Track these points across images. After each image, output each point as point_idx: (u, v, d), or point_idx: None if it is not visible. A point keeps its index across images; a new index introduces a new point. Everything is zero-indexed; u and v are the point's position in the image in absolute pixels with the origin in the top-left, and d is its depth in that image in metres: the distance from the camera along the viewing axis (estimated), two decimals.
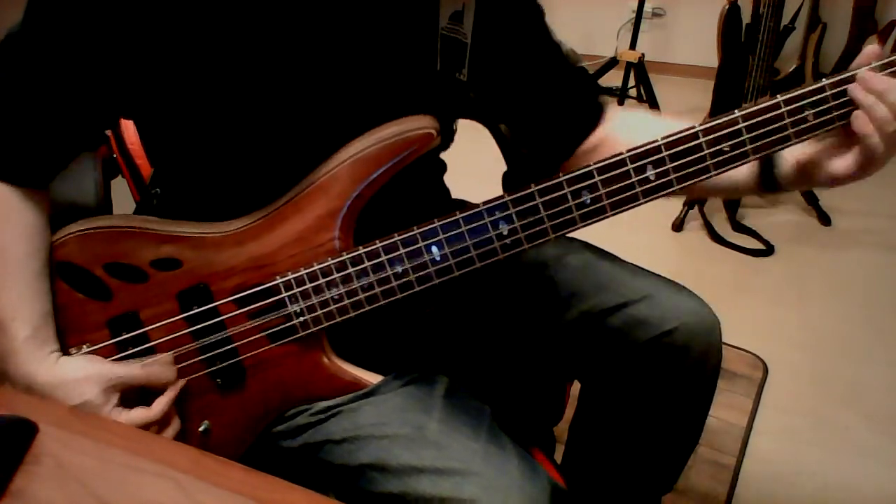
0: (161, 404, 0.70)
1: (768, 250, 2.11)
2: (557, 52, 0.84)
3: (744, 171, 0.72)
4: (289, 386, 0.73)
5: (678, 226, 2.24)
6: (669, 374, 0.81)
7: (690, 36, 3.28)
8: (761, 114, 0.65)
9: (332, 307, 0.70)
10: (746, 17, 2.06)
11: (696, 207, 2.24)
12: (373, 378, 0.73)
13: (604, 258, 0.86)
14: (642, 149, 0.66)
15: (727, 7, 2.02)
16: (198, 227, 0.71)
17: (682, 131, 0.66)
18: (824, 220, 2.23)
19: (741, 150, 0.66)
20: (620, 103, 3.17)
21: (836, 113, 0.65)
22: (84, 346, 0.72)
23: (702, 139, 0.65)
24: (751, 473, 1.41)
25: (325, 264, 0.69)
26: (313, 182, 0.69)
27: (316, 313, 0.70)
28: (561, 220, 0.67)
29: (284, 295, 0.70)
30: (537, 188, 0.66)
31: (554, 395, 0.99)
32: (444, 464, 0.64)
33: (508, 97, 0.83)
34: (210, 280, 0.71)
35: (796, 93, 0.65)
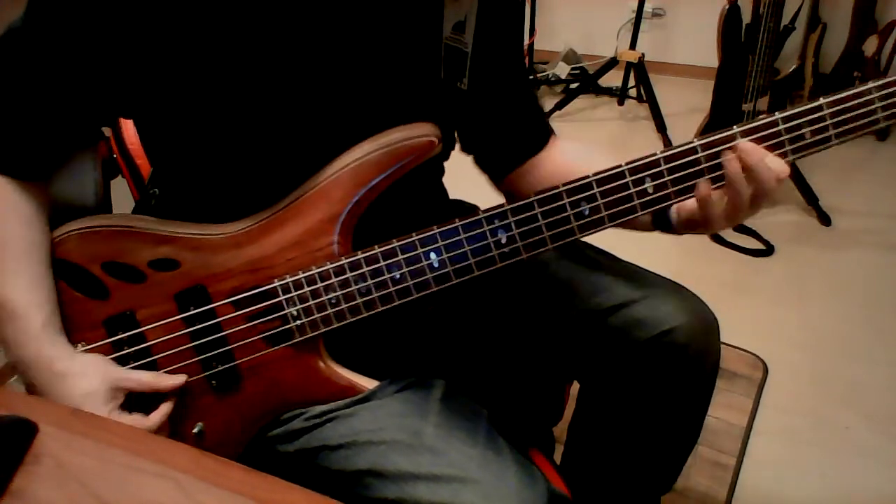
0: (159, 415, 0.70)
1: (768, 250, 2.10)
2: (526, 73, 0.89)
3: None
4: (284, 389, 0.73)
5: None
6: (668, 374, 0.81)
7: (690, 36, 3.27)
8: (759, 130, 0.65)
9: (330, 311, 0.70)
10: (746, 17, 2.06)
11: None
12: (369, 383, 0.73)
13: (603, 258, 0.87)
14: (641, 162, 0.66)
15: (727, 7, 2.02)
16: (197, 229, 0.71)
17: (681, 146, 0.66)
18: (824, 220, 2.22)
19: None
20: (620, 103, 3.17)
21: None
22: (80, 345, 0.72)
23: (700, 153, 0.65)
24: (751, 473, 1.41)
25: (324, 268, 0.69)
26: (314, 186, 0.69)
27: (313, 317, 0.70)
28: (559, 230, 0.68)
29: (282, 298, 0.70)
30: (537, 198, 0.67)
31: (553, 396, 0.99)
32: (441, 470, 0.64)
33: (481, 103, 0.84)
34: (208, 281, 0.71)
35: (797, 109, 0.64)
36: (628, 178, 0.66)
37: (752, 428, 1.52)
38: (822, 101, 0.64)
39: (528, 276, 0.85)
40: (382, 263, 0.69)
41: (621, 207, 0.67)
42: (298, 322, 0.71)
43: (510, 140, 0.87)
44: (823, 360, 1.70)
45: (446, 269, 0.69)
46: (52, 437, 0.58)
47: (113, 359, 0.72)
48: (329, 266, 0.69)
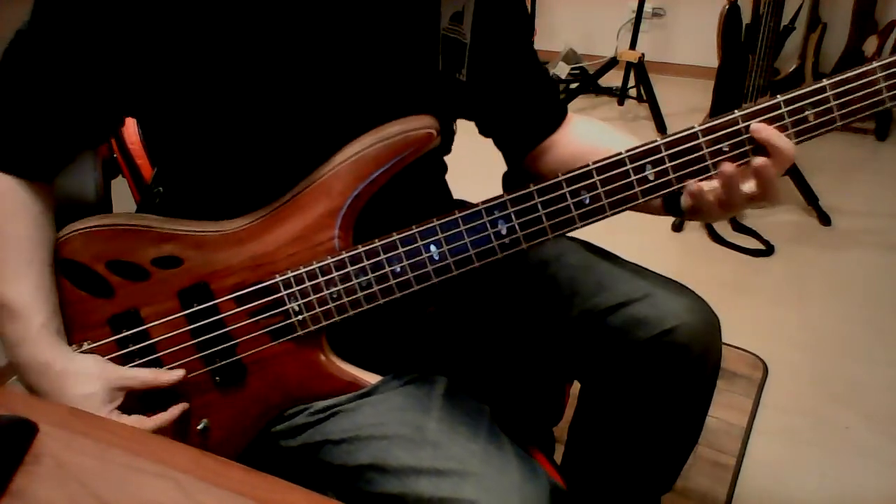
0: (159, 420, 0.70)
1: (768, 250, 2.10)
2: (535, 56, 0.87)
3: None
4: (287, 385, 0.73)
5: (678, 226, 2.24)
6: (669, 374, 0.81)
7: (690, 36, 3.28)
8: (762, 114, 0.65)
9: (331, 306, 0.70)
10: (746, 17, 2.06)
11: None
12: (371, 378, 0.73)
13: (604, 258, 0.86)
14: (641, 149, 0.66)
15: (727, 7, 2.02)
16: (199, 226, 0.71)
17: (681, 131, 0.65)
18: (824, 220, 2.23)
19: (741, 149, 0.65)
20: (620, 103, 3.17)
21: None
22: (85, 343, 0.72)
23: (701, 139, 0.65)
24: (751, 473, 1.41)
25: (325, 263, 0.69)
26: (314, 181, 0.69)
27: (314, 311, 0.70)
28: (560, 219, 0.67)
29: (283, 293, 0.70)
30: (536, 188, 0.66)
31: (553, 396, 0.99)
32: (443, 464, 0.64)
33: (488, 91, 0.84)
34: (210, 278, 0.71)
35: (800, 91, 0.64)
36: (629, 166, 0.66)
37: (752, 428, 1.52)
38: (825, 82, 0.63)
39: (528, 275, 0.85)
40: (383, 257, 0.69)
41: (622, 195, 0.66)
42: (300, 316, 0.71)
43: (525, 122, 0.87)
44: (823, 360, 1.70)
45: (447, 262, 0.68)
46: (52, 437, 0.58)
47: (117, 356, 0.73)
48: (330, 260, 0.69)
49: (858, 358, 1.69)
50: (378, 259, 0.69)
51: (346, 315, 0.70)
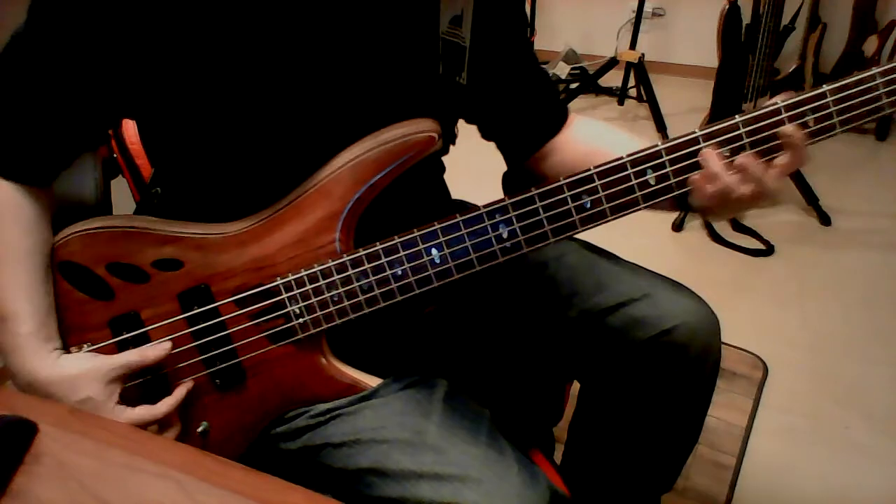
0: (167, 404, 0.70)
1: (768, 250, 2.10)
2: (535, 59, 0.88)
3: None
4: (288, 388, 0.73)
5: (678, 226, 2.24)
6: (669, 374, 0.81)
7: (690, 36, 3.28)
8: (760, 119, 0.65)
9: (332, 309, 0.70)
10: (746, 17, 2.06)
11: None
12: (372, 381, 0.73)
13: (603, 257, 0.86)
14: (643, 153, 0.66)
15: (727, 7, 2.02)
16: (200, 228, 0.71)
17: (682, 136, 0.66)
18: (824, 220, 2.23)
19: (742, 153, 0.66)
20: (620, 103, 3.17)
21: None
22: (85, 346, 0.72)
23: (702, 144, 0.65)
24: (751, 473, 1.41)
25: (326, 266, 0.69)
26: (315, 184, 0.69)
27: (315, 314, 0.70)
28: (561, 223, 0.67)
29: (284, 296, 0.70)
30: (538, 192, 0.67)
31: (553, 396, 0.99)
32: (443, 469, 0.64)
33: (488, 95, 0.84)
34: (211, 281, 0.71)
35: (801, 97, 0.64)
36: (630, 171, 0.66)
37: (752, 428, 1.52)
38: (825, 87, 0.63)
39: (528, 275, 0.85)
40: (384, 260, 0.69)
41: (623, 200, 0.67)
42: (301, 320, 0.71)
43: (526, 125, 0.87)
44: (823, 360, 1.70)
45: (448, 265, 0.69)
46: (52, 437, 0.58)
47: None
48: (331, 263, 0.69)
49: (858, 358, 1.69)
50: (379, 262, 0.69)
51: (347, 318, 0.70)
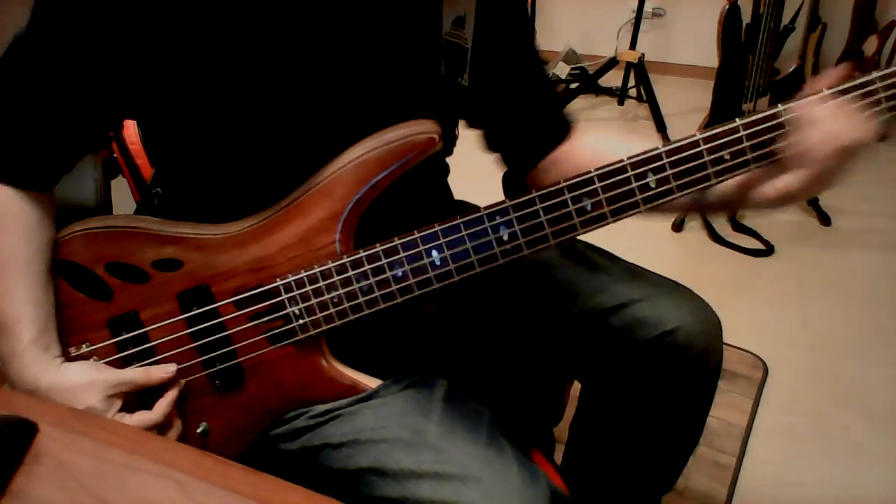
0: (162, 406, 0.70)
1: (768, 250, 2.11)
2: (541, 66, 0.87)
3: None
4: (287, 388, 0.73)
5: (678, 226, 2.24)
6: (670, 375, 0.81)
7: (690, 36, 3.28)
8: (760, 123, 0.65)
9: (332, 310, 0.70)
10: (746, 17, 2.06)
11: None
12: (371, 382, 0.73)
13: (604, 258, 0.86)
14: (643, 156, 0.66)
15: (727, 7, 2.02)
16: (200, 229, 0.71)
17: (683, 139, 0.66)
18: (824, 220, 2.23)
19: (741, 158, 0.66)
20: (620, 103, 3.17)
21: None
22: (84, 346, 0.72)
23: (703, 147, 0.65)
24: (751, 473, 1.41)
25: (326, 267, 0.69)
26: (316, 185, 0.69)
27: (315, 316, 0.70)
28: (561, 226, 0.67)
29: (284, 297, 0.70)
30: (538, 194, 0.67)
31: (554, 396, 0.99)
32: (443, 469, 0.64)
33: (492, 101, 0.84)
34: (211, 281, 0.71)
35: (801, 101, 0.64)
36: (630, 173, 0.66)
37: (752, 428, 1.52)
38: (825, 91, 0.63)
39: (529, 276, 0.85)
40: (384, 261, 0.69)
41: (623, 202, 0.67)
42: (301, 321, 0.71)
43: (529, 135, 0.85)
44: (823, 360, 1.70)
45: (448, 267, 0.68)
46: (52, 437, 0.58)
47: (117, 359, 0.72)
48: (331, 264, 0.69)
49: (858, 358, 1.69)
50: (379, 263, 0.69)
51: (346, 319, 0.70)
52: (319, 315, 0.70)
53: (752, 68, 2.04)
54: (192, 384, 0.73)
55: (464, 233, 0.68)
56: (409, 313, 0.74)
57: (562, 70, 3.30)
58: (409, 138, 0.67)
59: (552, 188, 0.66)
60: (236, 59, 0.64)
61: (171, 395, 0.71)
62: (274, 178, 0.70)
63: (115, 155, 0.95)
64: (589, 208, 0.67)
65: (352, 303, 0.70)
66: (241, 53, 0.64)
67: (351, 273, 0.69)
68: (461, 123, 0.87)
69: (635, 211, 0.67)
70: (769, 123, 0.64)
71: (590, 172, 0.66)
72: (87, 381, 0.68)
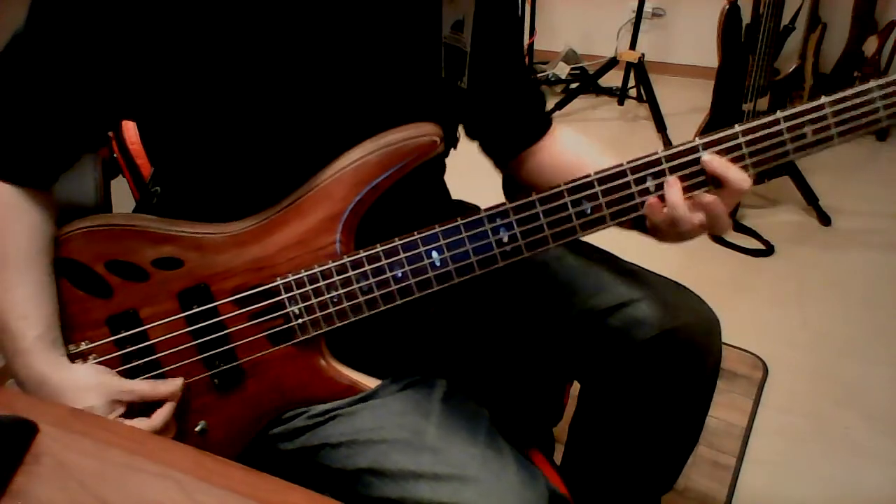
0: (161, 416, 0.70)
1: (768, 250, 2.11)
2: (525, 65, 0.90)
3: None
4: (286, 388, 0.73)
5: None
6: (669, 374, 0.81)
7: (690, 36, 3.28)
8: (759, 129, 0.65)
9: (332, 310, 0.70)
10: (746, 17, 2.05)
11: None
12: (370, 382, 0.73)
13: (604, 258, 0.87)
14: (643, 160, 0.66)
15: (727, 7, 2.02)
16: (200, 228, 0.71)
17: (682, 144, 0.66)
18: (824, 220, 2.23)
19: (740, 164, 0.66)
20: (620, 103, 3.17)
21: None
22: (83, 344, 0.72)
23: (702, 153, 0.66)
24: (751, 473, 1.41)
25: (326, 267, 0.69)
26: (316, 185, 0.69)
27: (315, 316, 0.70)
28: (561, 228, 0.68)
29: (284, 296, 0.70)
30: (538, 196, 0.67)
31: (553, 396, 0.99)
32: (442, 469, 0.64)
33: (484, 98, 0.85)
34: (211, 280, 0.71)
35: (799, 108, 0.65)
36: (630, 177, 0.66)
37: (752, 428, 1.52)
38: (823, 99, 0.64)
39: (528, 276, 0.85)
40: (384, 262, 0.69)
41: (623, 206, 0.67)
42: (300, 321, 0.71)
43: (511, 130, 0.88)
44: (823, 360, 1.70)
45: (448, 268, 0.69)
46: (52, 437, 0.58)
47: (116, 357, 0.72)
48: (331, 264, 0.69)
49: (858, 358, 1.69)
50: (379, 264, 0.69)
51: (346, 320, 0.70)
52: (319, 315, 0.70)
53: (752, 68, 2.04)
54: (192, 383, 0.73)
55: (464, 234, 0.68)
56: (409, 314, 0.74)
57: (562, 70, 3.30)
58: (409, 141, 0.67)
59: (552, 191, 0.67)
60: (236, 59, 0.64)
61: (171, 406, 0.71)
62: (273, 178, 0.70)
63: (115, 155, 0.95)
64: (588, 212, 0.67)
65: (351, 303, 0.70)
66: (241, 54, 0.64)
67: (351, 273, 0.69)
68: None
69: (635, 214, 0.67)
70: (770, 129, 0.65)
71: (590, 176, 0.66)
72: (96, 383, 0.69)
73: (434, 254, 0.68)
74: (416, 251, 0.68)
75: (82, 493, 0.53)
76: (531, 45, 3.32)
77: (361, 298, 0.70)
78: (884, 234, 2.17)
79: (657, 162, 0.66)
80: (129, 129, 0.95)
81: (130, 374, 0.72)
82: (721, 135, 0.65)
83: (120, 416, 0.69)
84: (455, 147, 0.86)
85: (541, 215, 0.67)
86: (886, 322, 1.80)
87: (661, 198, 0.67)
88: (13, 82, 0.67)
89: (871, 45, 2.61)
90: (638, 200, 0.67)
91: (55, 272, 0.71)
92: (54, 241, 0.72)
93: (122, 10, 0.62)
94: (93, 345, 0.72)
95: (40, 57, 0.65)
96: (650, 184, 0.66)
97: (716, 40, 2.07)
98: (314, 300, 0.70)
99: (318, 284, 0.70)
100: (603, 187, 0.66)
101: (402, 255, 0.69)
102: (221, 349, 0.72)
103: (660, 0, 3.30)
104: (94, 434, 0.59)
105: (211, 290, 0.71)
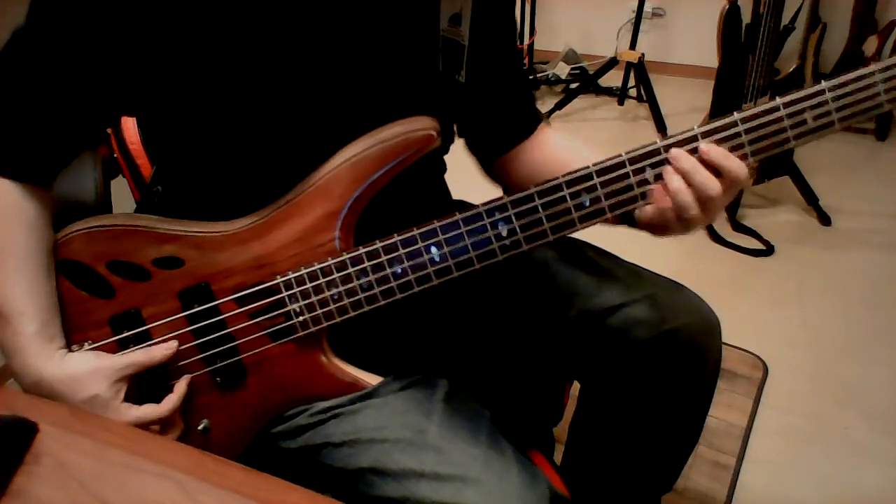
0: (171, 402, 0.70)
1: (768, 250, 2.11)
2: (520, 61, 0.89)
3: None
4: (288, 386, 0.73)
5: None
6: (669, 374, 0.81)
7: (690, 36, 3.28)
8: (759, 117, 0.65)
9: (332, 307, 0.70)
10: (746, 17, 2.06)
11: None
12: (372, 379, 0.73)
13: (604, 258, 0.86)
14: (641, 151, 0.66)
15: (727, 7, 2.02)
16: (200, 227, 0.71)
17: (681, 133, 0.66)
18: (824, 220, 2.23)
19: (740, 152, 0.66)
20: (620, 103, 3.17)
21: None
22: (86, 344, 0.72)
23: (701, 142, 0.65)
24: (751, 473, 1.41)
25: (326, 264, 0.69)
26: (314, 182, 0.69)
27: (315, 313, 0.70)
28: (560, 221, 0.67)
29: (284, 294, 0.70)
30: (536, 190, 0.67)
31: (553, 396, 0.99)
32: (444, 469, 0.64)
33: (480, 94, 0.84)
34: (211, 279, 0.71)
35: (799, 94, 0.64)
36: (628, 168, 0.66)
37: (752, 428, 1.52)
38: (824, 84, 0.63)
39: (528, 276, 0.85)
40: (384, 258, 0.69)
41: (622, 197, 0.67)
42: (301, 318, 0.71)
43: (500, 126, 0.87)
44: (823, 360, 1.70)
45: (447, 263, 0.69)
46: (52, 437, 0.58)
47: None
48: (331, 261, 0.69)
49: (858, 358, 1.69)
50: (379, 260, 0.69)
51: (346, 316, 0.70)
52: (319, 312, 0.70)
53: (752, 68, 2.04)
54: (194, 381, 0.73)
55: (463, 229, 0.68)
56: (409, 311, 0.74)
57: (562, 70, 3.30)
58: (406, 135, 0.67)
59: (551, 184, 0.66)
60: (233, 54, 0.64)
61: (180, 389, 0.71)
62: (272, 175, 0.70)
63: (115, 155, 0.95)
64: (587, 204, 0.67)
65: (352, 299, 0.70)
66: (238, 49, 0.64)
67: (351, 270, 0.69)
68: None
69: (634, 206, 0.67)
70: (769, 116, 0.64)
71: (588, 168, 0.66)
72: (91, 368, 0.68)
73: (433, 249, 0.68)
74: (415, 247, 0.68)
75: (82, 493, 0.53)
76: (531, 45, 3.32)
77: (361, 295, 0.70)
78: (884, 234, 2.17)
79: (655, 152, 0.66)
80: (129, 129, 0.95)
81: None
82: (719, 123, 0.65)
83: (126, 402, 0.69)
84: (452, 142, 0.86)
85: (539, 208, 0.67)
86: (886, 322, 1.80)
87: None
88: (14, 78, 0.67)
89: (871, 45, 2.61)
90: (637, 192, 0.67)
91: (57, 273, 0.71)
92: (53, 239, 0.72)
93: (122, 7, 0.62)
94: (95, 345, 0.72)
95: (41, 52, 0.65)
96: (649, 174, 0.66)
97: (716, 40, 2.07)
98: (314, 297, 0.70)
99: (318, 281, 0.70)
100: (601, 179, 0.66)
101: (402, 251, 0.69)
102: (223, 347, 0.72)
103: (660, 0, 3.30)
104: (94, 434, 0.59)
105: (212, 289, 0.71)
